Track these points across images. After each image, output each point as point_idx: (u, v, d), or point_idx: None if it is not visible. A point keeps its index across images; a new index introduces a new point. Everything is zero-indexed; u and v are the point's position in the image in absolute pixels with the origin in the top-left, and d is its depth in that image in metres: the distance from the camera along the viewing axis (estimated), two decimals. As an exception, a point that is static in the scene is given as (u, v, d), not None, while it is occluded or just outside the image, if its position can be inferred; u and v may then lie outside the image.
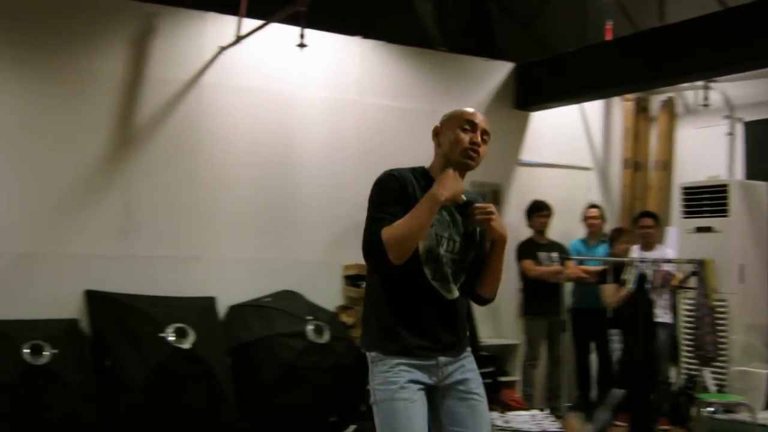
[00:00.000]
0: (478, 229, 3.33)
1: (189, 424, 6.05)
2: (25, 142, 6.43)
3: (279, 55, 7.34)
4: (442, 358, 3.20)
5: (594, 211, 8.45)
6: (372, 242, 3.04)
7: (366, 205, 3.16)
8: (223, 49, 7.11)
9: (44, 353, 5.70)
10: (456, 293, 3.22)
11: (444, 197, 3.09)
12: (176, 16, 7.06)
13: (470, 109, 3.35)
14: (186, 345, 6.11)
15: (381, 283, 3.21)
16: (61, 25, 6.61)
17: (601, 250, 8.22)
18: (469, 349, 3.35)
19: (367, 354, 3.24)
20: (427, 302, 3.17)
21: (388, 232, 3.02)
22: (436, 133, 3.39)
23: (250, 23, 6.85)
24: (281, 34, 7.13)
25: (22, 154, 6.41)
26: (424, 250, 3.15)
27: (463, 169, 3.26)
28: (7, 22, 6.41)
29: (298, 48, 6.65)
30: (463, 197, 3.25)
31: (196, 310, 6.49)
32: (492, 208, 3.22)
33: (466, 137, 3.25)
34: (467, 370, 3.29)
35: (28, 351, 5.71)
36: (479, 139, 3.26)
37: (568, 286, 8.30)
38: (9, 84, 6.41)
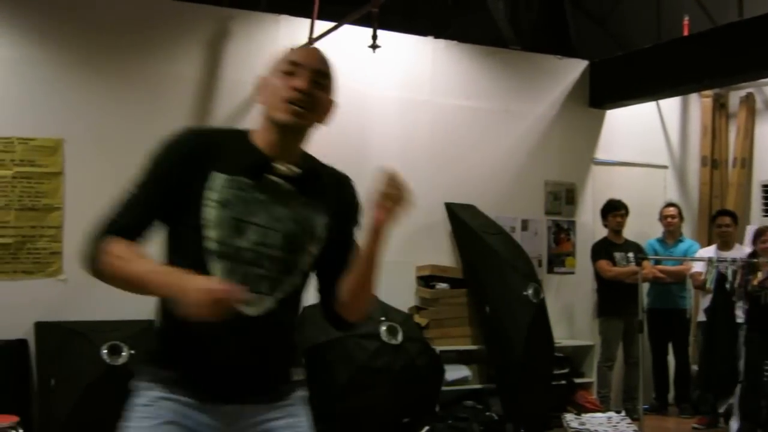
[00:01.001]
0: (329, 215, 2.37)
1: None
2: (108, 146, 6.49)
3: (351, 56, 7.27)
4: (230, 407, 2.22)
5: (671, 210, 8.23)
6: (91, 246, 2.15)
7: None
8: (296, 51, 7.07)
9: (123, 354, 5.73)
10: (267, 305, 2.20)
11: (185, 303, 1.95)
12: (250, 20, 7.06)
13: (299, 49, 2.45)
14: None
15: None
16: (141, 33, 6.68)
17: (679, 249, 8.00)
18: (299, 392, 2.36)
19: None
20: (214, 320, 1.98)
21: (112, 258, 2.11)
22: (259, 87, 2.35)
23: (322, 25, 6.80)
24: (353, 35, 7.06)
25: (105, 158, 6.45)
26: (216, 241, 2.16)
27: (287, 131, 2.27)
28: (92, 33, 6.52)
29: (371, 49, 6.60)
30: (294, 168, 2.30)
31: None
32: (401, 188, 2.29)
33: (286, 83, 2.23)
34: (282, 427, 2.27)
35: (106, 351, 5.75)
36: (308, 84, 2.23)
37: (645, 287, 8.11)
38: (95, 90, 6.51)
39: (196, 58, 6.83)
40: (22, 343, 5.97)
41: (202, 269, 2.13)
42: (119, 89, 6.57)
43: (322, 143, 7.25)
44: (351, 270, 2.35)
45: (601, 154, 8.50)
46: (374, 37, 6.59)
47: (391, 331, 6.51)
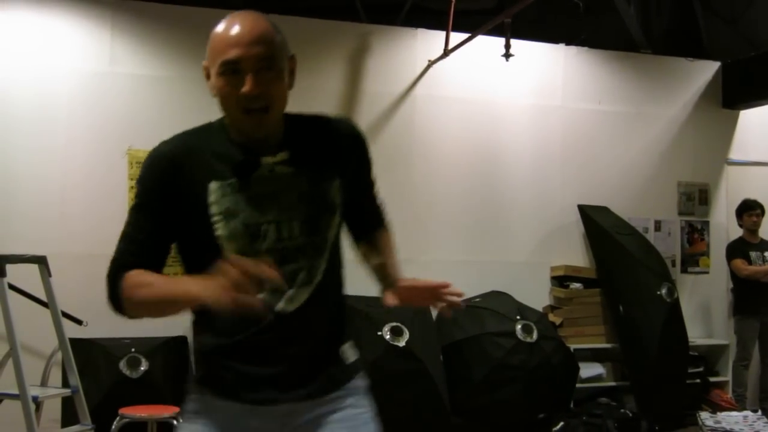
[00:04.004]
0: (338, 173, 2.15)
1: (403, 417, 6.04)
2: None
3: (485, 66, 7.25)
4: (284, 407, 2.07)
5: None
6: (110, 288, 2.04)
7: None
8: (432, 62, 7.10)
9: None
10: (307, 294, 2.06)
11: (202, 299, 1.82)
12: (388, 34, 7.11)
13: (225, 34, 2.02)
14: (401, 343, 6.11)
15: None
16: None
17: None
18: (356, 381, 2.20)
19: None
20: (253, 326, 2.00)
21: (130, 292, 2.00)
22: (208, 76, 2.08)
23: (456, 37, 6.79)
24: (485, 45, 7.04)
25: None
26: (237, 253, 1.97)
27: (249, 131, 2.03)
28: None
29: (504, 58, 6.55)
30: (282, 155, 2.07)
31: (411, 309, 6.48)
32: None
33: (232, 90, 1.98)
34: (339, 420, 2.11)
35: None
36: (255, 85, 1.96)
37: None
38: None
39: (338, 73, 6.92)
40: (182, 339, 6.17)
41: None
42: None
43: (458, 149, 7.26)
44: (372, 257, 2.36)
45: (735, 155, 8.15)
46: (507, 46, 6.54)
47: (527, 330, 6.44)
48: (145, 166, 2.07)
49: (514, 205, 7.30)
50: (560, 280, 7.28)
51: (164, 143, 2.10)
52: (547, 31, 7.66)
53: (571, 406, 6.66)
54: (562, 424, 6.35)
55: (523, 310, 6.66)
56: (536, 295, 7.14)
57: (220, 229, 2.00)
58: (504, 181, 7.30)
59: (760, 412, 6.92)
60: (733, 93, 8.07)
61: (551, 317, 7.07)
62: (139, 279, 1.99)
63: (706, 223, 7.98)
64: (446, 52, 6.93)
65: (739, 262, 7.44)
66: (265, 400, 2.05)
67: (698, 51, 8.24)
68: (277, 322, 2.01)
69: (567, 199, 7.40)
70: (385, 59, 7.06)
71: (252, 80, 1.95)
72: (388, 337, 6.09)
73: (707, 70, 8.11)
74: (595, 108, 7.66)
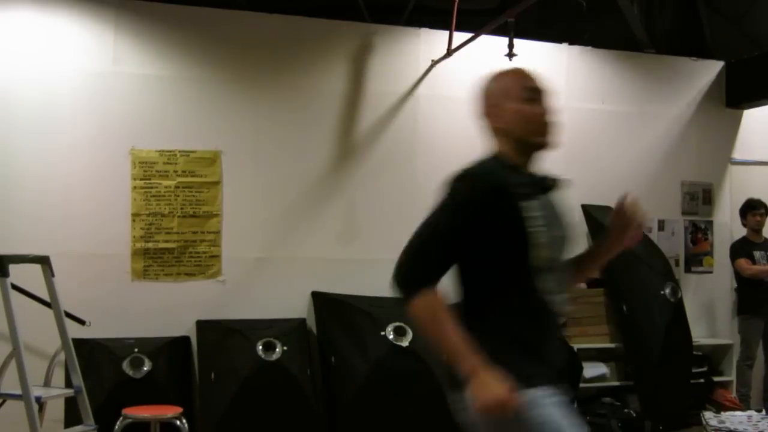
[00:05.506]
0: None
1: (409, 415, 6.01)
2: (260, 157, 6.64)
3: (488, 65, 7.15)
4: (560, 387, 2.49)
5: None
6: (413, 283, 2.41)
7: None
8: (435, 62, 7.05)
9: (276, 350, 5.82)
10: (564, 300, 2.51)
11: (477, 396, 2.28)
12: (391, 34, 7.06)
13: (523, 70, 2.60)
14: (404, 343, 6.06)
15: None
16: (291, 49, 6.77)
17: None
18: None
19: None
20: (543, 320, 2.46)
21: (429, 313, 2.36)
22: (489, 114, 2.57)
23: (459, 36, 6.74)
24: (489, 44, 6.96)
25: (257, 168, 6.63)
26: (546, 259, 2.40)
27: (540, 149, 2.55)
28: (246, 52, 6.65)
29: (507, 58, 6.50)
30: (556, 178, 2.60)
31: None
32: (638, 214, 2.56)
33: (535, 110, 2.52)
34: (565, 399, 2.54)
35: (261, 347, 5.86)
36: (550, 110, 2.52)
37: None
38: (249, 105, 6.65)
39: (341, 72, 6.88)
40: (185, 339, 6.14)
41: (531, 286, 2.40)
42: (271, 104, 6.69)
43: (461, 148, 7.20)
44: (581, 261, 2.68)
45: (738, 154, 8.10)
46: (510, 46, 6.49)
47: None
48: (474, 194, 2.40)
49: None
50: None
51: (486, 175, 2.45)
52: (551, 31, 7.61)
53: (575, 405, 6.61)
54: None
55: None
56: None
57: (540, 237, 2.38)
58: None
59: (764, 412, 6.87)
60: (737, 92, 8.01)
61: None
62: (439, 313, 2.36)
63: (710, 223, 7.93)
64: (449, 52, 6.88)
65: (743, 262, 7.40)
66: (557, 382, 2.46)
67: (702, 50, 8.18)
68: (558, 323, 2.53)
69: (571, 198, 7.32)
70: (389, 59, 7.02)
71: (549, 107, 2.54)
72: (391, 337, 6.05)
73: (711, 69, 8.06)
74: (599, 107, 7.61)
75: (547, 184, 2.55)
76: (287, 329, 6.07)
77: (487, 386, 2.26)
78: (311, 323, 6.47)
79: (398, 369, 6.00)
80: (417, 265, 2.43)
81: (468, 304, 2.50)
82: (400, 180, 6.91)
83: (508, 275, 2.42)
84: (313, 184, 6.74)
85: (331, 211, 6.76)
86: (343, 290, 6.50)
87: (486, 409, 2.26)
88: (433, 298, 2.38)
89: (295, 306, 6.47)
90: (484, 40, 6.85)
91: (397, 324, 6.08)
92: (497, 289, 2.44)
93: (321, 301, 6.44)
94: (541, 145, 2.53)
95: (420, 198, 6.91)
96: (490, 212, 2.38)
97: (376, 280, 6.60)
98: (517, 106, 2.51)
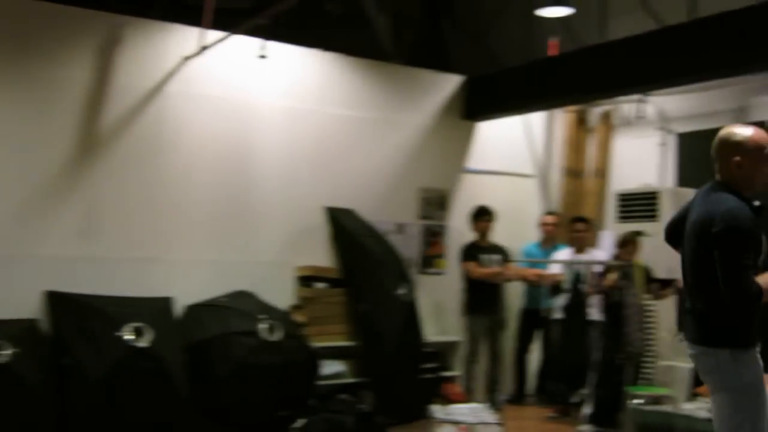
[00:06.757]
0: None
1: (145, 420, 5.90)
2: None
3: (241, 66, 7.19)
4: None
5: (549, 218, 8.47)
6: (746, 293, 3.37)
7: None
8: (187, 59, 6.93)
9: (4, 352, 5.52)
10: None
11: None
12: (143, 27, 6.87)
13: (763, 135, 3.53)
14: (143, 343, 5.95)
15: None
16: (30, 36, 6.39)
17: (560, 254, 8.13)
18: None
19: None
20: None
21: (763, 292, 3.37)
22: (738, 165, 3.51)
23: (214, 35, 6.68)
24: (244, 45, 6.98)
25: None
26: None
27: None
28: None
29: (260, 59, 6.55)
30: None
31: (154, 309, 6.32)
32: None
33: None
34: None
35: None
36: None
37: (518, 288, 8.28)
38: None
39: (87, 64, 6.59)
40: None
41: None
42: (8, 92, 6.29)
43: (210, 148, 7.14)
44: None
45: (472, 164, 8.59)
46: (263, 47, 6.54)
47: (271, 329, 6.46)
48: (748, 228, 3.41)
49: (263, 206, 7.29)
50: (305, 280, 7.36)
51: (747, 213, 3.45)
52: (306, 35, 7.71)
53: (313, 403, 6.74)
54: (302, 421, 6.44)
55: (268, 310, 6.68)
56: (282, 294, 7.14)
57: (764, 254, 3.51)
58: (254, 181, 7.28)
59: (487, 403, 7.37)
60: (474, 105, 8.49)
61: (296, 316, 7.12)
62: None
63: (444, 227, 8.34)
64: (201, 49, 6.81)
65: (470, 265, 7.85)
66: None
67: (445, 64, 8.59)
68: None
69: (314, 200, 7.48)
70: (138, 53, 6.81)
71: None
72: (129, 337, 5.91)
73: (451, 82, 8.48)
74: (347, 113, 7.80)
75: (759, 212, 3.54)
76: (17, 330, 5.75)
77: None
78: (45, 324, 6.12)
79: (137, 370, 5.87)
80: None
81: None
82: (146, 177, 6.75)
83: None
84: (52, 178, 6.41)
85: (71, 208, 6.46)
86: (83, 290, 6.22)
87: None
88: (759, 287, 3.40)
89: (27, 306, 6.11)
90: (239, 39, 6.86)
91: (136, 324, 5.95)
92: None
93: (55, 300, 6.14)
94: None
95: (166, 196, 6.82)
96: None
97: (117, 279, 6.47)
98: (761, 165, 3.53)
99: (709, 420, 6.13)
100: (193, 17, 6.84)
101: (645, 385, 6.96)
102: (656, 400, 6.67)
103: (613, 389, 6.82)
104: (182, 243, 6.88)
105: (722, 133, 3.61)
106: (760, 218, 3.50)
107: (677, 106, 8.21)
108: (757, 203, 3.53)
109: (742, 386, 3.42)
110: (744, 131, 3.57)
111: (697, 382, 7.27)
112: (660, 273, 7.32)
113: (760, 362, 3.48)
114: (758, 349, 3.51)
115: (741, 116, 7.64)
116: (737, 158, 3.51)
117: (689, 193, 7.69)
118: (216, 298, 6.70)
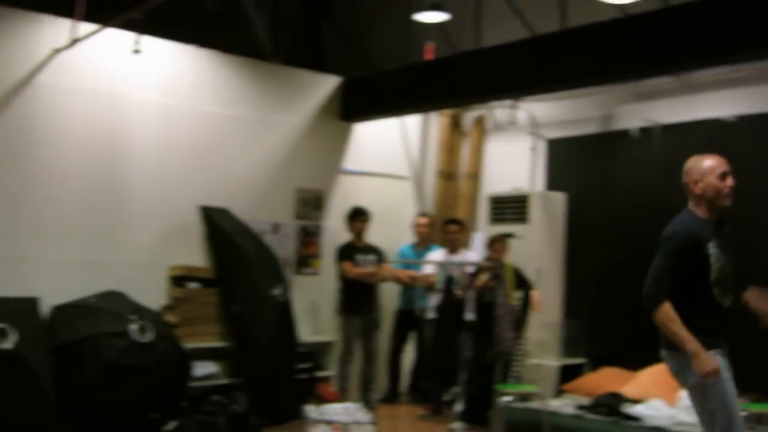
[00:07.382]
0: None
1: (10, 424, 5.67)
2: None
3: (114, 59, 7.00)
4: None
5: (423, 220, 8.57)
6: (655, 299, 3.84)
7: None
8: (57, 51, 6.70)
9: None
10: (730, 300, 3.98)
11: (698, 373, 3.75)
12: (10, 17, 6.58)
13: (716, 160, 3.98)
14: (7, 345, 5.70)
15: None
16: None
17: (433, 255, 8.23)
18: None
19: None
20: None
21: (663, 311, 3.81)
22: (695, 182, 3.97)
23: (86, 27, 6.48)
24: (118, 38, 6.81)
25: None
26: (716, 276, 3.88)
27: (723, 209, 3.99)
28: None
29: (134, 53, 6.40)
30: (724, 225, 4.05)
31: (19, 310, 6.06)
32: None
33: (726, 184, 3.94)
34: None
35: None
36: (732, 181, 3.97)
37: (394, 289, 8.35)
38: None
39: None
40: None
41: (708, 292, 3.88)
42: None
43: (80, 142, 6.91)
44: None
45: (348, 165, 8.63)
46: (137, 42, 6.40)
47: (142, 330, 6.31)
48: (680, 242, 3.90)
49: (135, 204, 7.11)
50: (178, 280, 7.22)
51: (690, 229, 3.94)
52: (182, 32, 7.57)
53: (185, 405, 6.63)
54: (174, 423, 6.32)
55: (139, 310, 6.52)
56: (153, 294, 6.99)
57: (715, 263, 3.89)
58: (126, 178, 7.09)
59: (360, 403, 7.41)
60: (350, 107, 8.52)
61: (168, 317, 6.99)
62: (673, 314, 3.82)
63: (320, 227, 8.34)
64: (73, 42, 6.60)
65: (346, 264, 7.89)
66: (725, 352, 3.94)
67: (322, 65, 8.59)
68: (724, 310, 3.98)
69: (188, 199, 7.35)
70: (5, 43, 6.53)
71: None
72: (-8, 340, 5.68)
73: (328, 83, 8.49)
74: (222, 111, 7.70)
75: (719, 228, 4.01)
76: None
77: (707, 362, 3.72)
78: None
79: (1, 374, 5.64)
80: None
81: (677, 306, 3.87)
82: (12, 174, 6.49)
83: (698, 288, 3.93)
84: None
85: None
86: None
87: (706, 375, 3.72)
88: (667, 307, 3.84)
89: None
90: (113, 33, 6.71)
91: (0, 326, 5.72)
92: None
93: None
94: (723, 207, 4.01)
95: (34, 194, 6.57)
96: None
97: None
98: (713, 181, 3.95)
99: (575, 416, 6.47)
100: (64, 8, 6.61)
101: (514, 383, 7.14)
102: (524, 397, 6.87)
103: (484, 387, 6.98)
104: (50, 241, 6.64)
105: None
106: (721, 235, 3.98)
107: (547, 112, 8.47)
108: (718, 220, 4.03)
109: (702, 384, 3.80)
110: (700, 158, 4.07)
111: (563, 379, 7.58)
112: (531, 272, 7.55)
113: (720, 361, 3.83)
114: (722, 351, 3.89)
115: (607, 124, 7.97)
116: (695, 180, 4.01)
117: (558, 197, 8.12)
118: (85, 298, 6.49)
